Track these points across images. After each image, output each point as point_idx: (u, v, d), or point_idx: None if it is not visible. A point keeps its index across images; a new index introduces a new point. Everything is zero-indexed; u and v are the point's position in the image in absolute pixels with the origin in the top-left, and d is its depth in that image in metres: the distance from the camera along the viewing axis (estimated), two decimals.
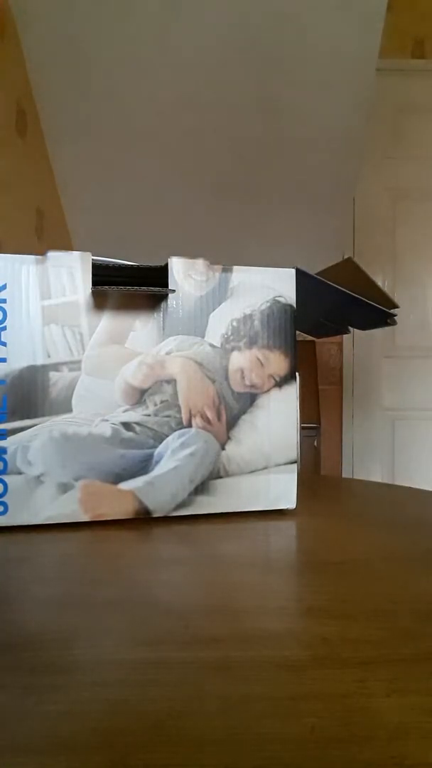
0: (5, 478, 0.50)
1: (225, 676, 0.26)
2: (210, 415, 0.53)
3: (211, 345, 0.54)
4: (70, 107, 1.75)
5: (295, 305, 0.56)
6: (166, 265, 0.54)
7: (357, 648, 0.29)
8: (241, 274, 0.55)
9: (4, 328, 0.50)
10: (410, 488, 0.74)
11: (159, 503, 0.53)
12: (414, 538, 0.50)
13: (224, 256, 2.07)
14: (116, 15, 1.54)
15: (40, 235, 1.78)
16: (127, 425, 0.52)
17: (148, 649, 0.28)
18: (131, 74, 1.67)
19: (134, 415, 0.53)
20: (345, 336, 2.47)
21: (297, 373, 0.56)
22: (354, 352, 2.45)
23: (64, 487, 0.51)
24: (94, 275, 0.53)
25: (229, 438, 0.54)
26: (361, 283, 0.56)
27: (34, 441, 0.50)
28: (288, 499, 0.56)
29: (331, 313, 0.68)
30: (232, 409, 0.55)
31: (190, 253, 2.01)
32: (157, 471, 0.53)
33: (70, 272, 0.52)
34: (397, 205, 2.55)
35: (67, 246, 2.02)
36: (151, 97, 1.73)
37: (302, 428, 2.13)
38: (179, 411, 0.53)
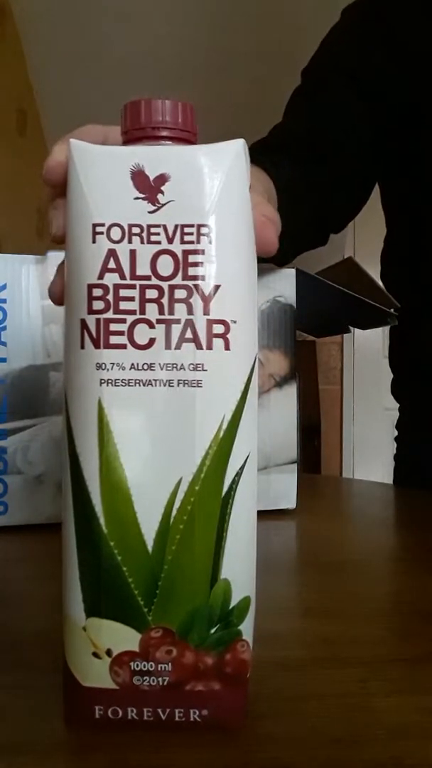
0: (5, 478, 0.50)
1: None
2: None
3: None
4: (70, 107, 1.75)
5: (295, 305, 0.56)
6: None
7: (357, 648, 0.29)
8: None
9: (4, 328, 0.50)
10: (410, 488, 0.74)
11: None
12: (414, 538, 0.50)
13: None
14: (117, 14, 1.54)
15: (41, 235, 1.78)
16: None
17: None
18: (132, 74, 1.67)
19: None
20: (345, 336, 2.47)
21: (297, 373, 0.56)
22: (354, 352, 2.44)
23: None
24: None
25: None
26: (361, 283, 0.56)
27: (34, 441, 0.50)
28: (288, 499, 0.56)
29: (331, 312, 0.68)
30: None
31: None
32: None
33: None
34: None
35: None
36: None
37: (302, 428, 2.13)
38: None
